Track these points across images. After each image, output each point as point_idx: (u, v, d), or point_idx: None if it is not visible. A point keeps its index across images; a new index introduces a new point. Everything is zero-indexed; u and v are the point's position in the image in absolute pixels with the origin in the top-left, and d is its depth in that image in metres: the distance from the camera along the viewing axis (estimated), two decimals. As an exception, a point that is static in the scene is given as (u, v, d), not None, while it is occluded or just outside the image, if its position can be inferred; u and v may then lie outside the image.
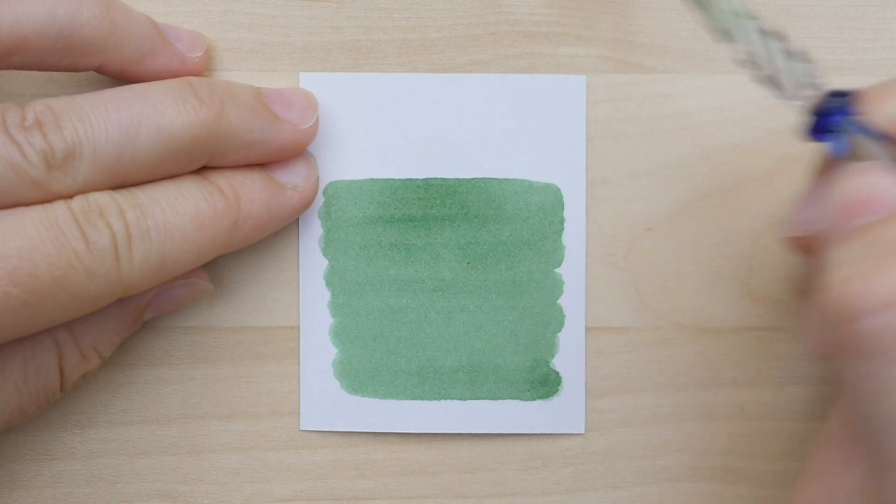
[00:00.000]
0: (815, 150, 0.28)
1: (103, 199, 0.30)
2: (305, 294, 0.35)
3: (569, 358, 0.35)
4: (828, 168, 0.27)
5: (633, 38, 0.35)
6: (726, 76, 0.35)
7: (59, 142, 0.29)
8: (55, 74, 0.34)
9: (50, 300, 0.29)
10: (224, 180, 0.32)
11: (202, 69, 0.34)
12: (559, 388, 0.35)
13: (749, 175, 0.35)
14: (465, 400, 0.35)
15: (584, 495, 0.35)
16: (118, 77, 0.33)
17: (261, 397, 0.35)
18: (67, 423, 0.35)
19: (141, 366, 0.35)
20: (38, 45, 0.30)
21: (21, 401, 0.32)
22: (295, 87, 0.34)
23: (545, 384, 0.35)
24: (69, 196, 0.30)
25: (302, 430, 0.35)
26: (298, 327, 0.35)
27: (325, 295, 0.35)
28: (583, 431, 0.35)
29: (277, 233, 0.34)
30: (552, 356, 0.35)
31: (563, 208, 0.35)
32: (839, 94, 0.26)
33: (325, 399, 0.35)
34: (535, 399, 0.35)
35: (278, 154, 0.33)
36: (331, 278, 0.35)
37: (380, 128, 0.35)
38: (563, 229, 0.35)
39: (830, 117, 0.25)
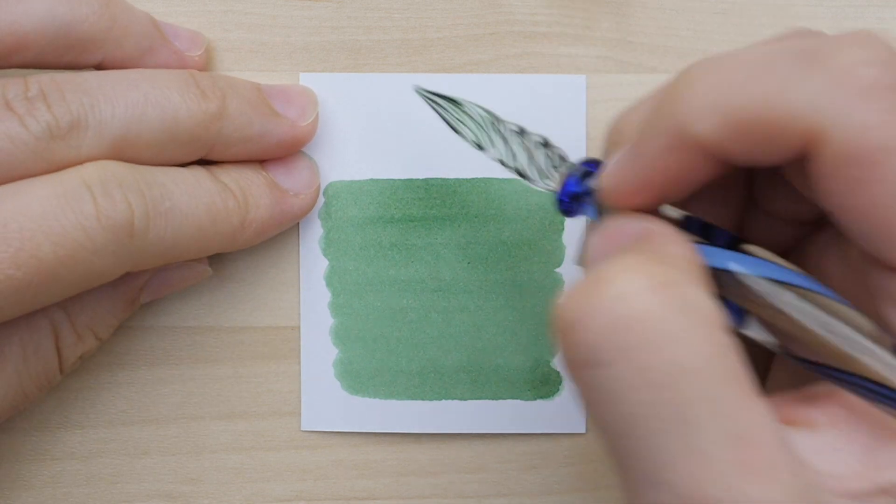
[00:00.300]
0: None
1: (121, 169, 0.29)
2: (306, 294, 0.35)
3: (569, 358, 0.35)
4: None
5: (633, 38, 0.35)
6: (726, 76, 0.35)
7: (63, 112, 0.29)
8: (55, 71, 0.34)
9: (54, 280, 0.28)
10: (232, 181, 0.32)
11: (201, 68, 0.33)
12: (560, 387, 0.35)
13: (749, 175, 0.35)
14: (465, 400, 0.35)
15: (584, 495, 0.35)
16: (118, 74, 0.33)
17: (261, 397, 0.35)
18: (67, 423, 0.35)
19: (141, 366, 0.35)
20: (38, 44, 0.30)
21: (23, 384, 0.32)
22: (295, 84, 0.34)
23: (546, 384, 0.35)
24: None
25: (302, 431, 0.35)
26: (299, 327, 0.35)
27: (326, 295, 0.35)
28: (584, 431, 0.35)
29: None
30: (553, 356, 0.35)
31: (563, 208, 0.35)
32: (579, 173, 0.28)
33: (325, 399, 0.35)
34: (535, 399, 0.35)
35: (276, 150, 0.33)
36: (331, 278, 0.35)
37: (380, 128, 0.35)
38: (563, 229, 0.35)
39: (572, 196, 0.28)
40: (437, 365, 0.35)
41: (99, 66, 0.32)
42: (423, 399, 0.35)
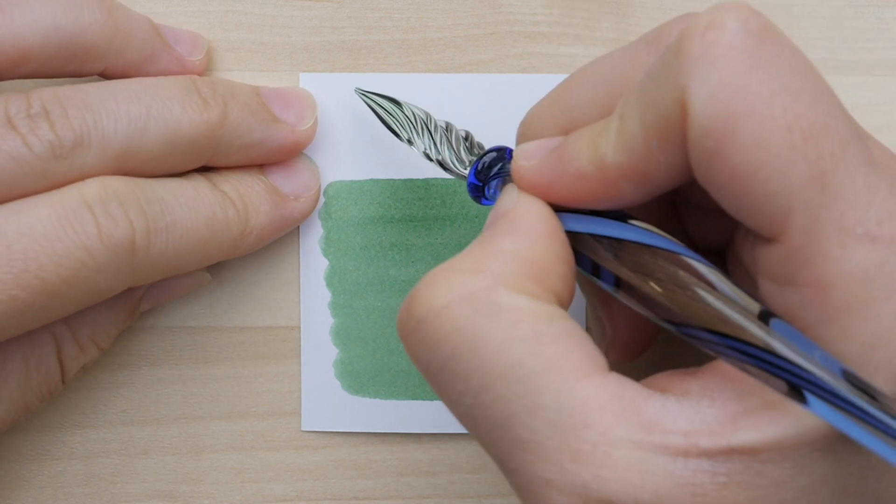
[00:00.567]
0: None
1: (122, 186, 0.29)
2: (306, 294, 0.35)
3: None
4: None
5: (633, 38, 0.35)
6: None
7: (66, 130, 0.29)
8: (58, 79, 0.34)
9: (57, 299, 0.29)
10: (232, 189, 0.32)
11: (202, 72, 0.33)
12: (560, 388, 0.35)
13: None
14: (465, 400, 0.35)
15: (584, 495, 0.35)
16: (121, 81, 0.33)
17: (261, 397, 0.35)
18: (67, 423, 0.35)
19: (141, 366, 0.35)
20: (42, 55, 0.30)
21: (25, 397, 0.32)
22: (293, 87, 0.34)
23: (546, 384, 0.35)
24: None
25: (302, 431, 0.35)
26: (299, 327, 0.35)
27: (326, 295, 0.35)
28: (583, 431, 0.35)
29: (278, 233, 0.34)
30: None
31: (563, 208, 0.35)
32: (489, 160, 0.31)
33: (325, 399, 0.35)
34: (535, 399, 0.35)
35: (276, 154, 0.33)
36: (331, 278, 0.35)
37: (380, 128, 0.35)
38: (563, 229, 0.35)
39: (476, 179, 0.31)
40: (437, 365, 0.35)
41: (102, 74, 0.32)
42: (423, 399, 0.35)
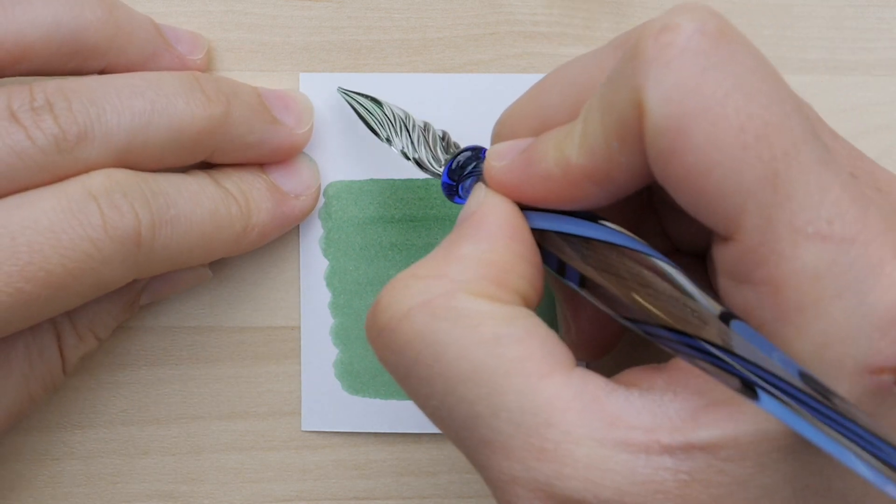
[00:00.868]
0: None
1: (126, 179, 0.29)
2: (306, 294, 0.35)
3: (569, 358, 0.35)
4: None
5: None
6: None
7: (70, 124, 0.29)
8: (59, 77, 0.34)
9: (62, 291, 0.28)
10: (234, 186, 0.32)
11: (202, 71, 0.33)
12: (560, 388, 0.35)
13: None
14: (465, 400, 0.35)
15: (584, 495, 0.35)
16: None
17: (261, 397, 0.35)
18: (67, 423, 0.35)
19: (141, 366, 0.35)
20: (44, 52, 0.30)
21: (29, 387, 0.32)
22: (292, 90, 0.34)
23: (546, 384, 0.35)
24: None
25: (302, 431, 0.35)
26: (299, 328, 0.35)
27: (326, 295, 0.35)
28: (583, 431, 0.35)
29: (278, 233, 0.34)
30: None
31: (563, 208, 0.35)
32: (463, 158, 0.31)
33: (326, 400, 0.35)
34: (535, 399, 0.35)
35: (273, 155, 0.33)
36: (331, 279, 0.35)
37: (380, 128, 0.35)
38: (563, 229, 0.35)
39: (450, 177, 0.31)
40: (437, 365, 0.35)
41: (103, 72, 0.32)
42: (423, 399, 0.35)
